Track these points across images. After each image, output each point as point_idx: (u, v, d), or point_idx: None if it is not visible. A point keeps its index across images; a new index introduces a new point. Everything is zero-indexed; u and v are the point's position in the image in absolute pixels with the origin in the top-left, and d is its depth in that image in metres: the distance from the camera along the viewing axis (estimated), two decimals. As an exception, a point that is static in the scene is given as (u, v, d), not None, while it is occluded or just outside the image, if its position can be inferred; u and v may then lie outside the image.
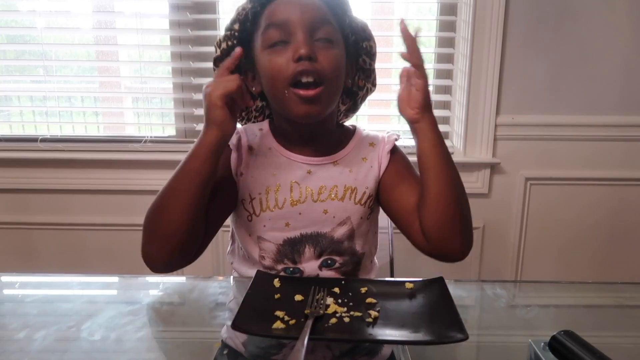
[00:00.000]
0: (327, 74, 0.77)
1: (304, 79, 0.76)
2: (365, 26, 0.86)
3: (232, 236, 0.94)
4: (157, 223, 0.75)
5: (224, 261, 1.70)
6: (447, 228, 0.77)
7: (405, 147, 0.91)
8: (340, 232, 0.85)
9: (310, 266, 0.85)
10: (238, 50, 0.75)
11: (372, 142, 0.90)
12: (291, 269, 0.85)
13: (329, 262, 0.86)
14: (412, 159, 0.83)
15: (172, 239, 0.74)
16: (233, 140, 0.85)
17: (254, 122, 0.95)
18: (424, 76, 0.76)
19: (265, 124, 0.91)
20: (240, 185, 0.85)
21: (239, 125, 0.90)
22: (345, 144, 0.88)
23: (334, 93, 0.81)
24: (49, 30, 1.65)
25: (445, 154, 0.78)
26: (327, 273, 0.86)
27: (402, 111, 0.78)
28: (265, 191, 0.84)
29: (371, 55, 0.88)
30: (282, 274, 0.86)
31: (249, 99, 0.79)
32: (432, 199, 0.77)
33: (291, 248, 0.85)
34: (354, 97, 0.93)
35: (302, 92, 0.76)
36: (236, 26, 0.82)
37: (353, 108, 0.95)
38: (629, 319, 0.80)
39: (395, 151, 0.89)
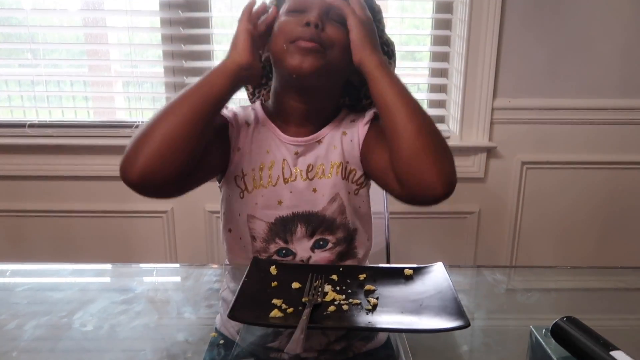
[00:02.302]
0: (329, 44, 0.78)
1: (303, 44, 0.77)
2: (393, 45, 0.89)
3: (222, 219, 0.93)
4: (157, 124, 0.71)
5: (219, 249, 1.69)
6: (418, 162, 0.73)
7: None
8: (331, 209, 0.86)
9: (302, 247, 0.85)
10: (273, 10, 0.79)
11: (353, 119, 0.89)
12: (284, 251, 0.85)
13: (321, 242, 0.86)
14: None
15: (170, 143, 0.69)
16: (229, 114, 0.85)
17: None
18: (349, 14, 0.77)
19: (256, 105, 0.90)
20: (235, 161, 0.85)
21: (232, 107, 0.89)
22: (329, 122, 0.88)
23: (333, 65, 0.80)
24: (36, 12, 1.60)
25: (398, 88, 0.76)
26: (320, 255, 0.86)
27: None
28: (259, 167, 0.84)
29: None
30: (274, 257, 0.85)
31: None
32: (395, 136, 0.75)
33: (283, 227, 0.85)
34: (359, 104, 0.93)
35: (302, 43, 0.77)
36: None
37: (353, 108, 0.94)
38: (630, 302, 0.80)
39: (372, 121, 0.88)
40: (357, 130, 0.87)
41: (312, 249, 0.86)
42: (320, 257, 0.86)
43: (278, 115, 0.87)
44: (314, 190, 0.85)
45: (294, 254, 0.85)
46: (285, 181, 0.84)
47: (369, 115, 0.88)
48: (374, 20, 0.85)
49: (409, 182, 0.74)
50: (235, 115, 0.86)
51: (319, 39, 0.77)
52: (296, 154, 0.85)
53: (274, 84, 0.88)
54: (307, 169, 0.85)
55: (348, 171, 0.87)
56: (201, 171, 0.79)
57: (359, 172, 0.87)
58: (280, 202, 0.84)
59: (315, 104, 0.85)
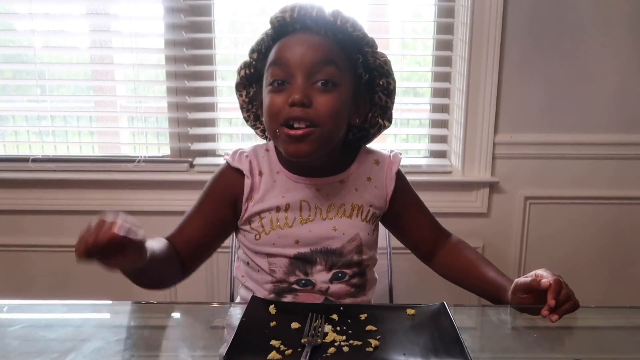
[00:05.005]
0: (320, 119, 0.78)
1: (296, 125, 0.77)
2: (385, 62, 0.86)
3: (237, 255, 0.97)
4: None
5: (219, 285, 1.66)
6: None
7: (403, 166, 0.95)
8: (349, 247, 0.88)
9: (321, 278, 0.87)
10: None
11: (377, 160, 0.92)
12: (303, 282, 0.87)
13: (340, 275, 0.88)
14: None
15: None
16: (246, 167, 0.87)
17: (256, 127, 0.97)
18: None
19: (270, 145, 0.92)
20: (249, 208, 0.87)
21: (246, 148, 0.92)
22: (350, 163, 0.91)
23: (328, 136, 0.81)
24: (45, 49, 1.64)
25: None
26: (337, 285, 0.88)
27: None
28: (275, 210, 0.86)
29: (388, 92, 0.88)
30: (294, 286, 0.87)
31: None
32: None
33: (303, 262, 0.87)
34: (365, 132, 0.93)
35: (291, 131, 0.77)
36: (254, 55, 0.86)
37: (364, 140, 0.95)
38: (637, 342, 0.77)
39: (399, 172, 0.93)
40: (384, 179, 0.92)
41: (331, 280, 0.88)
42: (338, 287, 0.88)
43: (292, 162, 0.87)
44: (334, 228, 0.87)
45: (314, 285, 0.87)
46: (303, 222, 0.86)
47: (395, 164, 0.92)
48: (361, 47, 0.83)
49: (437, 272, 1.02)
50: (250, 164, 0.88)
51: (308, 117, 0.77)
52: (318, 190, 0.87)
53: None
54: (327, 208, 0.87)
55: (371, 214, 0.90)
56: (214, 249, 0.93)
57: (378, 215, 0.92)
58: (297, 242, 0.86)
59: (321, 159, 0.85)
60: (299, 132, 0.77)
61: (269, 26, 0.84)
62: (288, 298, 0.88)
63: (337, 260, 0.87)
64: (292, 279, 0.87)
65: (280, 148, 0.83)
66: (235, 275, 0.98)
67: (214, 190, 0.90)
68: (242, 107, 0.93)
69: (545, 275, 0.75)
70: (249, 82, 0.89)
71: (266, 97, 0.81)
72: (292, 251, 0.86)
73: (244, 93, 0.90)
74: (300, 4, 0.81)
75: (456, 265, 0.94)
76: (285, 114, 0.77)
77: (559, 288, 0.73)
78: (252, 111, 0.93)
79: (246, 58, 0.88)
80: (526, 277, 0.77)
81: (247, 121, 0.96)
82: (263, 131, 0.96)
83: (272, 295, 0.89)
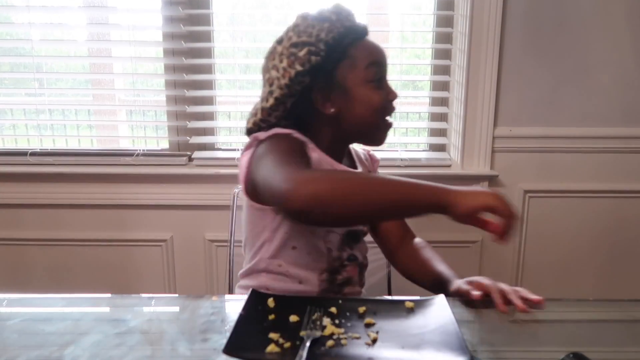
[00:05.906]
0: None
1: (390, 122, 0.96)
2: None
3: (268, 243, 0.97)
4: (355, 199, 0.70)
5: (218, 279, 1.67)
6: None
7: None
8: (365, 229, 1.05)
9: (361, 252, 1.02)
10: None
11: (361, 160, 1.08)
12: (351, 256, 0.99)
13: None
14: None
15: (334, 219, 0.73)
16: (306, 140, 0.92)
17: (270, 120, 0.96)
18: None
19: (305, 137, 0.94)
20: None
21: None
22: (353, 158, 1.05)
23: None
24: (43, 42, 1.63)
25: None
26: (368, 258, 1.05)
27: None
28: None
29: None
30: (345, 262, 0.97)
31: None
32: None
33: (352, 237, 0.99)
34: None
35: (389, 123, 0.96)
36: (322, 45, 0.88)
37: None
38: (637, 335, 0.78)
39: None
40: (370, 166, 1.09)
41: (364, 254, 1.03)
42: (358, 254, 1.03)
43: (331, 152, 0.95)
44: None
45: (357, 259, 1.00)
46: None
47: (376, 162, 1.11)
48: None
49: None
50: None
51: None
52: None
53: (328, 130, 0.95)
54: None
55: None
56: None
57: None
58: None
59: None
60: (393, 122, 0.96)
61: (322, 21, 0.88)
62: (343, 275, 0.97)
63: (360, 235, 1.03)
64: (345, 255, 0.97)
65: (373, 137, 0.96)
66: (267, 266, 0.97)
67: (295, 149, 0.87)
68: (288, 94, 0.90)
69: (483, 283, 0.82)
70: (314, 70, 0.89)
71: (367, 93, 0.91)
72: (342, 229, 0.97)
73: (307, 79, 0.89)
74: (349, 9, 0.92)
75: (412, 263, 1.04)
76: (389, 108, 0.93)
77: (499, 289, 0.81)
78: (295, 102, 0.92)
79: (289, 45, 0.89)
80: (466, 281, 0.86)
81: (275, 109, 0.92)
82: (268, 122, 0.95)
83: (324, 275, 0.96)
